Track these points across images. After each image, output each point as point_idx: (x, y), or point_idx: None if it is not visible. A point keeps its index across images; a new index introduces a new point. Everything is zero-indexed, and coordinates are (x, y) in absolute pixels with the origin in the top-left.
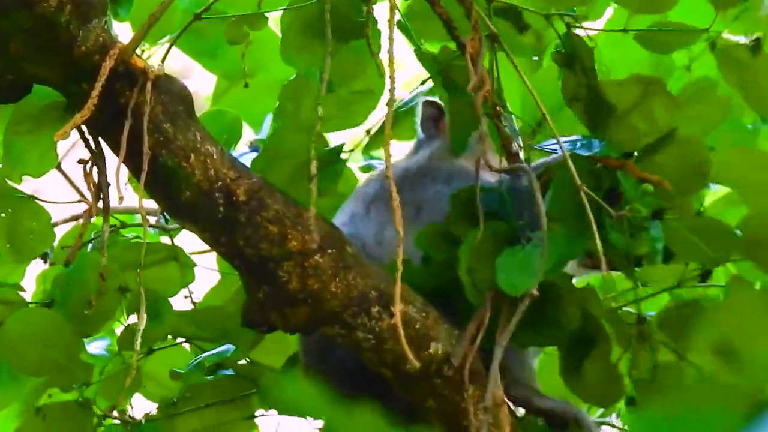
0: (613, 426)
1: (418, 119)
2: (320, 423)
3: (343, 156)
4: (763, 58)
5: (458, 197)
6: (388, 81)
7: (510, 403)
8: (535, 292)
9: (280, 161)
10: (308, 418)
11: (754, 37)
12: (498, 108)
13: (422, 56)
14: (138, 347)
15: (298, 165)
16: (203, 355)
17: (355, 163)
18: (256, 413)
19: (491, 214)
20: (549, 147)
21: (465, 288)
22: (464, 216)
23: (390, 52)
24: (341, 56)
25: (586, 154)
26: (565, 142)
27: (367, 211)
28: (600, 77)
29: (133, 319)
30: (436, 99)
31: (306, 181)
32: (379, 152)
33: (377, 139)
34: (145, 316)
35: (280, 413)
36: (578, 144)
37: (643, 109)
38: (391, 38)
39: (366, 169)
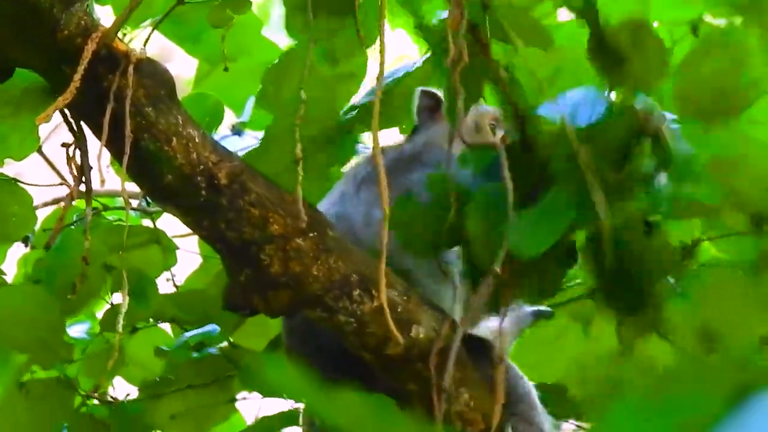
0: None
1: (414, 108)
2: (301, 406)
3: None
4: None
5: (465, 158)
6: (373, 63)
7: None
8: (498, 270)
9: (279, 146)
10: (289, 400)
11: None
12: (500, 75)
13: (424, 30)
14: (120, 328)
15: (308, 145)
16: (188, 334)
17: None
18: (238, 396)
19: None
20: (546, 111)
21: (473, 246)
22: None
23: (381, 30)
24: (341, 33)
25: (585, 122)
26: (565, 105)
27: (357, 191)
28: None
29: (117, 299)
30: (433, 89)
31: (316, 162)
32: (367, 136)
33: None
34: (127, 297)
35: (263, 396)
36: (579, 108)
37: (637, 56)
38: (382, 15)
39: None
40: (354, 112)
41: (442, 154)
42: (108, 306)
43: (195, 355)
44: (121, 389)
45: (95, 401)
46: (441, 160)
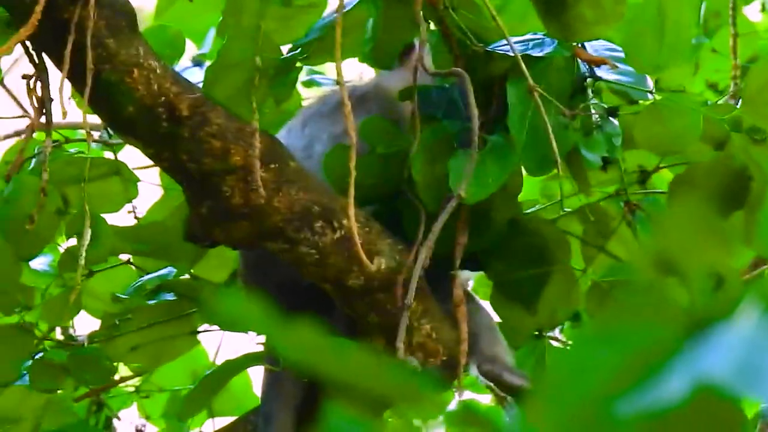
0: (556, 339)
1: None
2: (262, 338)
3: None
4: None
5: (406, 92)
6: None
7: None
8: (463, 194)
9: (229, 73)
10: (250, 333)
11: None
12: (445, 9)
13: None
14: (83, 262)
15: (248, 77)
16: (144, 278)
17: None
18: (200, 328)
19: (444, 114)
20: (500, 48)
21: (419, 191)
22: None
23: None
24: None
25: (539, 53)
26: (517, 42)
27: (303, 127)
28: None
29: (72, 242)
30: None
31: (258, 92)
32: (323, 68)
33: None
34: (89, 231)
35: (221, 329)
36: (530, 44)
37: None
38: None
39: (308, 84)
40: (297, 50)
41: (387, 99)
42: (63, 248)
43: (151, 302)
44: (82, 326)
45: (54, 344)
46: (385, 106)
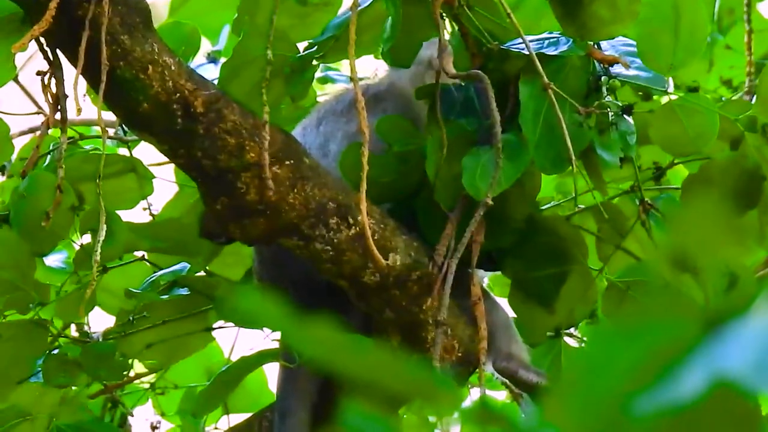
0: (571, 336)
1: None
2: (277, 335)
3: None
4: None
5: (423, 91)
6: None
7: (497, 375)
8: (490, 201)
9: (244, 70)
10: (265, 330)
11: None
12: (461, 7)
13: None
14: (98, 258)
15: (263, 74)
16: (158, 273)
17: None
18: (214, 325)
19: (459, 113)
20: (515, 47)
21: (434, 189)
22: (431, 114)
23: None
24: None
25: (554, 52)
26: (532, 41)
27: (318, 125)
28: None
29: (87, 238)
30: None
31: (273, 90)
32: (337, 64)
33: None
34: (104, 227)
35: (236, 325)
36: (545, 43)
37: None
38: None
39: (323, 80)
40: (313, 48)
41: (402, 99)
42: (78, 245)
43: (164, 297)
44: (96, 322)
45: (68, 340)
46: (399, 104)
